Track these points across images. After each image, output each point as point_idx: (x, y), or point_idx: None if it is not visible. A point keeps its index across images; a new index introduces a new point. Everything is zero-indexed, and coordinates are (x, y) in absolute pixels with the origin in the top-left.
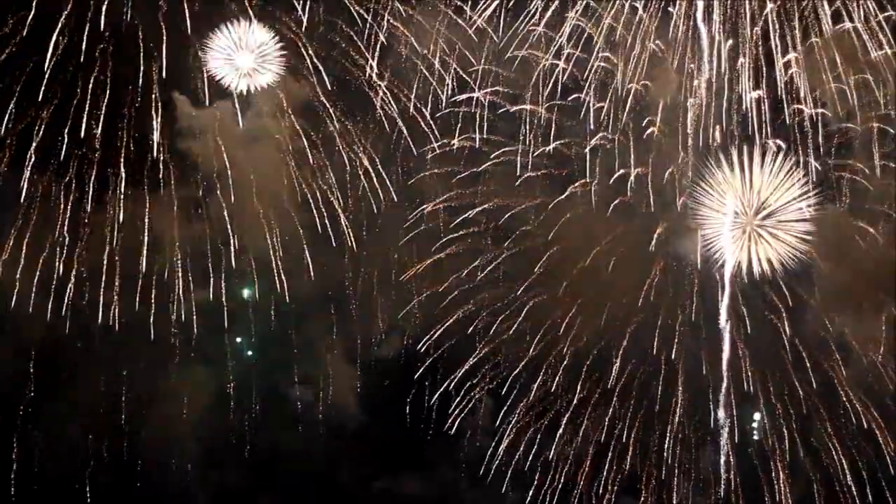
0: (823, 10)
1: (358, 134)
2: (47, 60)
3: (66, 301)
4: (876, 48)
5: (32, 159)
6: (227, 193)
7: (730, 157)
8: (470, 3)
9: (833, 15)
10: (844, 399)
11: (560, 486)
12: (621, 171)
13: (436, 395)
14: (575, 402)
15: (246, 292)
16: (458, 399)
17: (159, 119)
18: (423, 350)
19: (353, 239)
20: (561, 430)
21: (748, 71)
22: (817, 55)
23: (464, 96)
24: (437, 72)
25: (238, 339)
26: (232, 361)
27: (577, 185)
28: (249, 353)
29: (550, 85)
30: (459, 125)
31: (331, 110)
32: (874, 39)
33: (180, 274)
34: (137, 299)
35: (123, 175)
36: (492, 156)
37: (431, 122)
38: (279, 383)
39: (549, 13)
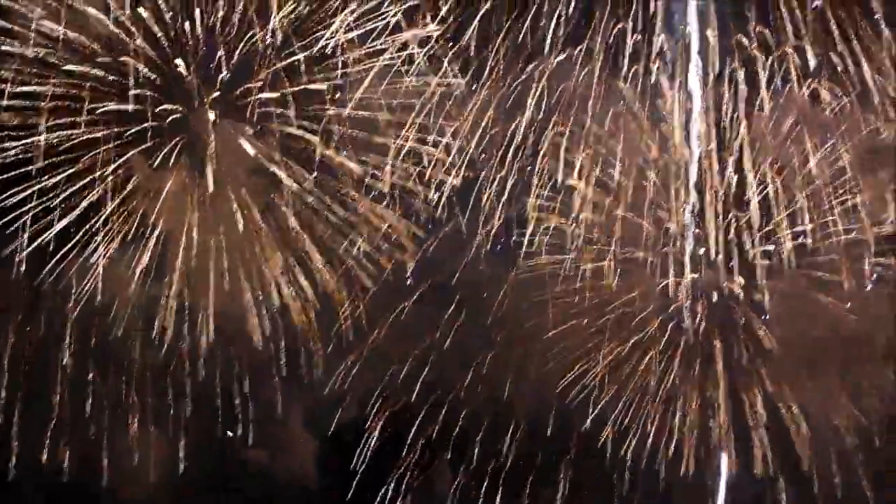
0: (793, 64)
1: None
2: None
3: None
4: (837, 106)
5: None
6: (185, 253)
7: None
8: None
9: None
10: (806, 465)
11: None
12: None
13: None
14: (537, 466)
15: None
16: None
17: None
18: (378, 416)
19: (314, 299)
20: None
21: (708, 129)
22: (775, 115)
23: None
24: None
25: (192, 400)
26: (185, 422)
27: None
28: (203, 414)
29: (513, 148)
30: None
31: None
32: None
33: (137, 334)
34: (90, 362)
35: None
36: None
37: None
38: (233, 444)
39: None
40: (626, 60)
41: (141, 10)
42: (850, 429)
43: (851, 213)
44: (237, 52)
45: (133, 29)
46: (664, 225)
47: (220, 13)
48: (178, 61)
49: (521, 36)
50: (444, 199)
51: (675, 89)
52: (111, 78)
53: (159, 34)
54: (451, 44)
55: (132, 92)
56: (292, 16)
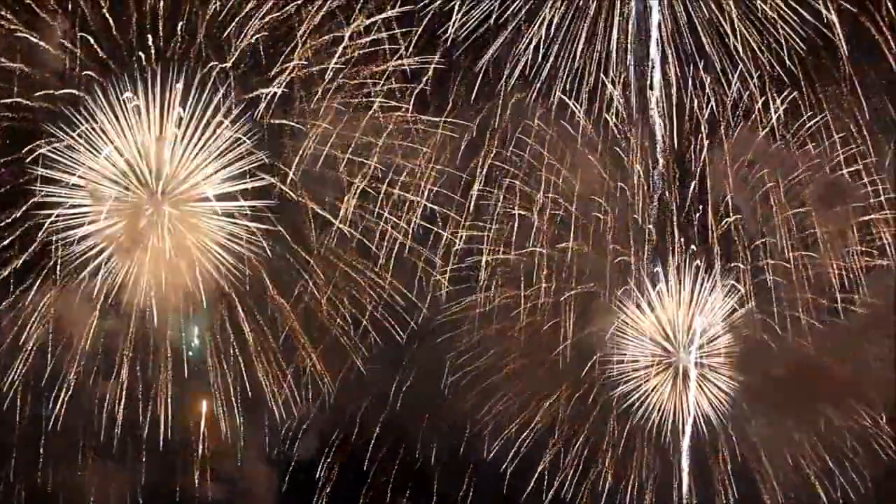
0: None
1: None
2: None
3: None
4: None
5: None
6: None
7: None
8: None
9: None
10: None
11: None
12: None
13: None
14: None
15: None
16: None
17: None
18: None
19: (270, 338)
20: None
21: (668, 172)
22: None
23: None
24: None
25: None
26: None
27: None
28: (160, 451)
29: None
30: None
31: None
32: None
33: (94, 369)
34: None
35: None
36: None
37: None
38: (193, 480)
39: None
40: (586, 97)
41: (92, 40)
42: (813, 467)
43: (812, 247)
44: (193, 85)
45: (87, 61)
46: (623, 260)
47: (177, 46)
48: (129, 94)
49: (480, 73)
50: (402, 235)
51: (636, 125)
52: (65, 111)
53: (113, 66)
54: (410, 81)
55: (85, 126)
56: (250, 51)
